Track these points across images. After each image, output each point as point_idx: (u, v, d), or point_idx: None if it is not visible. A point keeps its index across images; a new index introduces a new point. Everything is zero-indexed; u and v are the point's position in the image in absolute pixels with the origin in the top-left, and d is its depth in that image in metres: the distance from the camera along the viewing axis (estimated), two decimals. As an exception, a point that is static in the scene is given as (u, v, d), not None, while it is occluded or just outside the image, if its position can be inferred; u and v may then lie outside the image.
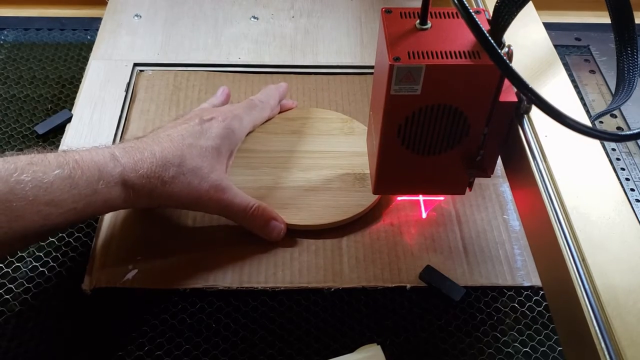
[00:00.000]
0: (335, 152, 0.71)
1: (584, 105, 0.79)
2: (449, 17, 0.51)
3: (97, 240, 0.63)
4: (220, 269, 0.61)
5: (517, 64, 0.45)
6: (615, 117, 0.79)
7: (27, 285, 0.61)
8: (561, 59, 0.59)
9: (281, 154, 0.70)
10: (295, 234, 0.64)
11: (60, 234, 0.65)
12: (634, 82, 0.51)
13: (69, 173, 0.51)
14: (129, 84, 0.79)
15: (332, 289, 0.61)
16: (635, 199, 0.68)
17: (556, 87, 0.55)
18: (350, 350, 0.56)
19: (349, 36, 0.88)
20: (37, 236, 0.55)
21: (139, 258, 0.62)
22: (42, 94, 0.80)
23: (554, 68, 0.57)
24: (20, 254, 0.63)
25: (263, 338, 0.58)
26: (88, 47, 0.86)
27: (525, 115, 0.51)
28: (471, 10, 0.42)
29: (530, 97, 0.43)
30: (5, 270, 0.62)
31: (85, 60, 0.84)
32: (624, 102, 0.52)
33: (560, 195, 0.46)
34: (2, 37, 0.88)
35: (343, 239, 0.65)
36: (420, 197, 0.67)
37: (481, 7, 0.64)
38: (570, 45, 0.89)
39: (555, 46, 0.59)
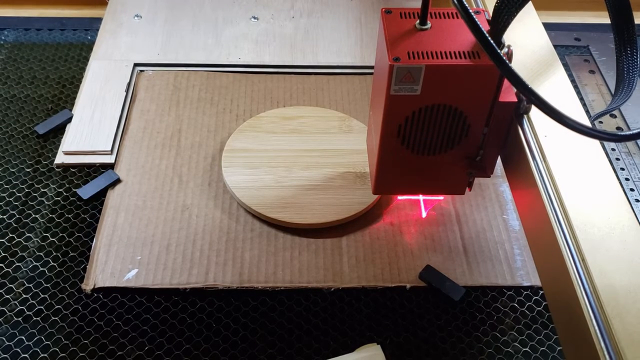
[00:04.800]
0: (335, 151, 0.71)
1: (584, 105, 0.79)
2: (449, 17, 0.51)
3: (97, 240, 0.64)
4: (220, 269, 0.62)
5: (517, 64, 0.45)
6: (615, 117, 0.79)
7: (27, 285, 0.61)
8: (561, 59, 0.60)
9: (281, 153, 0.70)
10: (297, 232, 0.65)
11: (60, 234, 0.65)
12: (633, 82, 0.51)
13: None
14: (129, 84, 0.79)
15: (332, 289, 0.61)
16: (635, 199, 0.69)
17: (556, 87, 0.55)
18: (350, 350, 0.56)
19: (349, 36, 0.88)
20: None
21: (139, 258, 0.62)
22: (42, 94, 0.80)
23: (554, 68, 0.57)
24: (20, 254, 0.63)
25: (263, 338, 0.58)
26: (88, 47, 0.86)
27: (525, 115, 0.51)
28: (471, 11, 0.42)
29: (529, 97, 0.43)
30: (6, 270, 0.62)
31: (85, 60, 0.84)
32: (623, 102, 0.52)
33: (560, 195, 0.46)
34: (3, 37, 0.88)
35: (343, 239, 0.65)
36: (420, 197, 0.68)
37: (481, 7, 0.64)
38: (570, 45, 0.89)
39: (555, 46, 0.59)
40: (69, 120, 0.75)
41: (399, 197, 0.68)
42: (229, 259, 0.62)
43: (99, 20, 0.89)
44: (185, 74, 0.82)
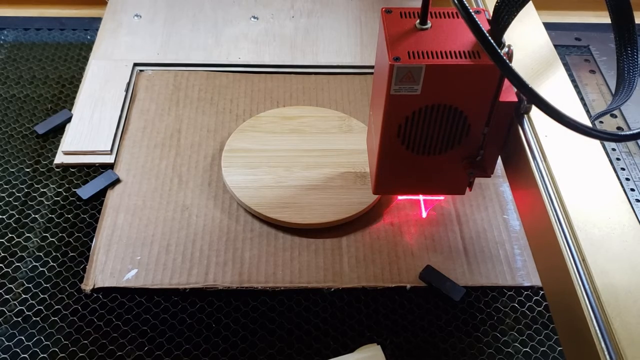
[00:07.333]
0: (335, 151, 0.71)
1: (584, 105, 0.79)
2: (449, 17, 0.51)
3: (97, 240, 0.64)
4: (220, 269, 0.61)
5: (517, 64, 0.45)
6: (616, 117, 0.79)
7: (26, 285, 0.61)
8: (561, 59, 0.59)
9: (280, 153, 0.70)
10: (297, 232, 0.64)
11: (60, 234, 0.65)
12: (634, 82, 0.51)
13: None
14: (129, 83, 0.79)
15: (332, 289, 0.61)
16: (635, 199, 0.68)
17: (556, 87, 0.55)
18: (350, 350, 0.56)
19: (349, 36, 0.88)
20: None
21: (138, 258, 0.62)
22: (42, 94, 0.80)
23: (554, 68, 0.56)
24: (20, 254, 0.63)
25: (263, 338, 0.58)
26: (88, 47, 0.86)
27: (525, 115, 0.51)
28: (471, 10, 0.42)
29: (530, 97, 0.42)
30: (5, 270, 0.62)
31: (85, 60, 0.84)
32: (624, 102, 0.52)
33: (560, 195, 0.46)
34: (2, 37, 0.88)
35: (343, 239, 0.65)
36: (421, 197, 0.67)
37: (481, 7, 0.64)
38: (570, 45, 0.89)
39: (555, 46, 0.59)
40: (69, 120, 0.75)
41: (399, 197, 0.68)
42: (229, 259, 0.62)
43: (98, 20, 0.89)
44: (185, 74, 0.81)
